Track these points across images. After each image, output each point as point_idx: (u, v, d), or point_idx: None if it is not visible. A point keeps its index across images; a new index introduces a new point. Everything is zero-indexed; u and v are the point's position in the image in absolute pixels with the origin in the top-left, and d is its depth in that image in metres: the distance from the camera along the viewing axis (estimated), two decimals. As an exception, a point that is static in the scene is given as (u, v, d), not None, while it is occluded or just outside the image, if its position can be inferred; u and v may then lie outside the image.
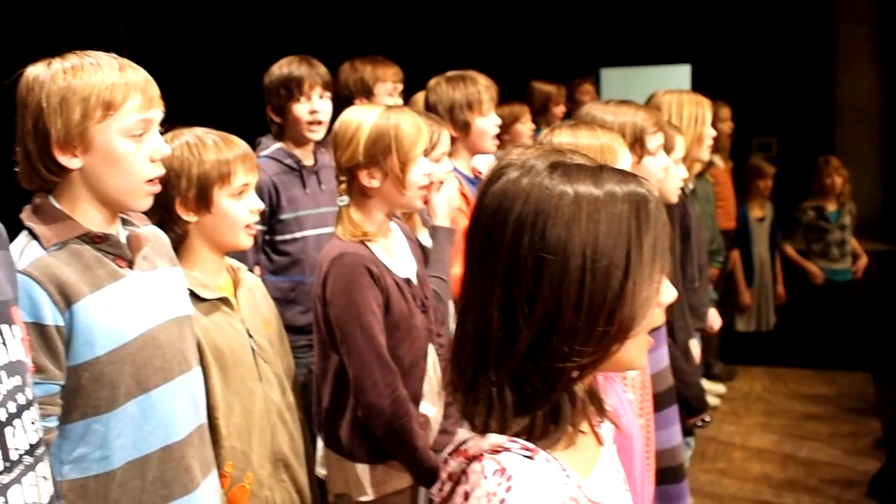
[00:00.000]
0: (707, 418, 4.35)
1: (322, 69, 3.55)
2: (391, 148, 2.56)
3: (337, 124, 2.67)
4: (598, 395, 1.43)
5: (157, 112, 2.00)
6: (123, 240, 2.04)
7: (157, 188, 2.03)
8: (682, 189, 3.80)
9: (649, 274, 1.28)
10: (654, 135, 2.87)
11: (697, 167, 4.14)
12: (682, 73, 8.13)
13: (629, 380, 2.37)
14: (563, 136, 2.34)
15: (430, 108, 3.48)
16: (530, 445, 1.25)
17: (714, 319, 4.45)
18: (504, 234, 1.25)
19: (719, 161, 6.37)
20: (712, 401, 5.89)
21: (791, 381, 6.68)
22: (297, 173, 3.49)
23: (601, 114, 2.80)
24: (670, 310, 3.29)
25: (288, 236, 3.45)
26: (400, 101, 3.88)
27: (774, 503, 4.80)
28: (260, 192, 2.73)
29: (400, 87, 3.95)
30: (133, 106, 1.94)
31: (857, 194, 7.93)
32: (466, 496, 1.23)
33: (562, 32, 8.54)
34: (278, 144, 3.54)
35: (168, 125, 2.11)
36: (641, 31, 8.45)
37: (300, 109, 3.47)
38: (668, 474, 2.96)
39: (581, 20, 8.55)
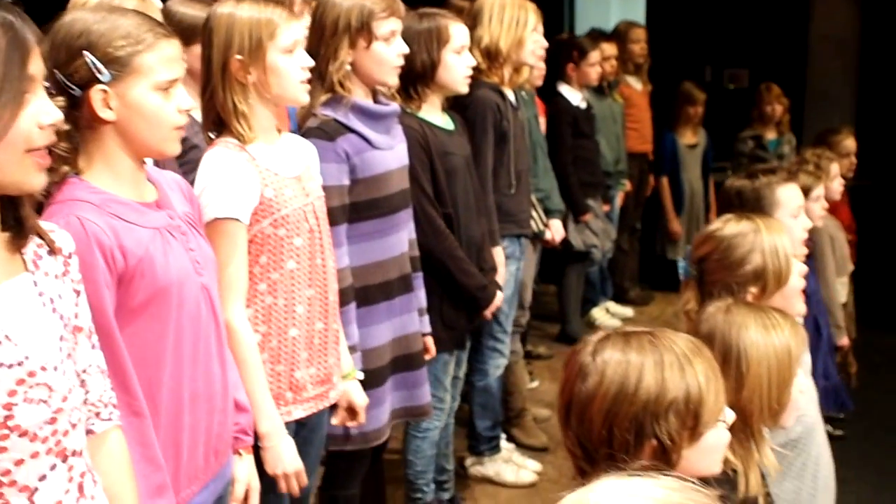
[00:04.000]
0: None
1: None
2: None
3: None
4: None
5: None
6: None
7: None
8: (500, 92, 3.76)
9: None
10: (384, 20, 2.82)
11: (525, 72, 4.07)
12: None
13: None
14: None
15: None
16: None
17: (556, 231, 4.40)
18: None
19: (635, 82, 6.25)
20: (614, 323, 5.85)
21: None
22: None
23: None
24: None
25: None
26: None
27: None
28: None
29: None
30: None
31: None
32: None
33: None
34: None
35: None
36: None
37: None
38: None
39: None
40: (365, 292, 2.90)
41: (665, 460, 1.60)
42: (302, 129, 2.83)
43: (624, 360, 1.62)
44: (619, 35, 6.08)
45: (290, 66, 2.40)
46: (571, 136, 5.22)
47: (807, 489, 2.50)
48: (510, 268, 3.87)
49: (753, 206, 3.00)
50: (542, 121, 5.02)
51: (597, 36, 5.68)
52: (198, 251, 2.07)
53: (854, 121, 8.27)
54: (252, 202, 2.38)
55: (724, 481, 1.98)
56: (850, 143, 5.23)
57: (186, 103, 2.01)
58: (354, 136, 2.83)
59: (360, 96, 2.88)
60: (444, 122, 3.37)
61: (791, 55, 8.29)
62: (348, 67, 2.82)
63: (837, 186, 4.70)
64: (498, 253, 3.68)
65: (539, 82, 4.84)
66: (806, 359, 3.75)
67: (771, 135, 6.62)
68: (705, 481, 1.88)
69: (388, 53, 2.85)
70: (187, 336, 2.01)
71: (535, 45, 3.92)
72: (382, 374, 2.95)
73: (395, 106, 2.97)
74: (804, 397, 2.48)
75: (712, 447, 1.67)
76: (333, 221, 2.73)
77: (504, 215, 3.78)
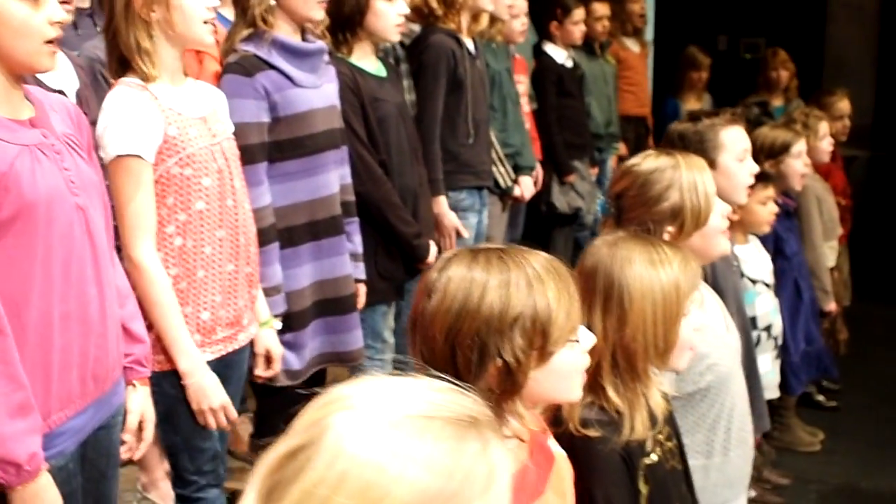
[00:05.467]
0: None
1: None
2: None
3: None
4: None
5: None
6: None
7: None
8: (457, 39, 3.67)
9: None
10: None
11: (485, 20, 3.96)
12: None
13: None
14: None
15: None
16: None
17: (525, 188, 4.30)
18: None
19: (633, 45, 6.11)
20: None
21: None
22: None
23: None
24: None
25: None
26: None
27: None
28: None
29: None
30: None
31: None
32: None
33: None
34: None
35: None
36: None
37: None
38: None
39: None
40: (289, 233, 2.83)
41: (511, 381, 1.52)
42: (223, 66, 2.76)
43: (468, 276, 1.53)
44: (617, -5, 5.94)
45: (193, 3, 2.35)
46: (556, 96, 5.10)
47: (720, 441, 2.38)
48: (469, 220, 3.78)
49: (696, 148, 2.86)
50: (525, 79, 4.91)
51: (587, -6, 5.55)
52: (74, 172, 2.01)
53: (873, 90, 8.06)
54: (155, 140, 2.33)
55: (609, 423, 1.90)
56: (843, 106, 5.06)
57: (58, 15, 1.95)
58: (275, 73, 2.75)
59: (287, 33, 2.80)
60: (376, 68, 3.29)
61: (809, 23, 8.07)
62: (272, 2, 2.75)
63: (826, 147, 4.55)
64: (441, 202, 3.58)
65: (520, 39, 4.73)
66: (776, 320, 3.63)
67: (777, 101, 6.42)
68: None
69: None
70: (58, 255, 1.95)
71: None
72: (305, 316, 2.88)
73: (320, 44, 2.89)
74: (718, 344, 2.38)
75: (565, 370, 1.58)
76: (252, 159, 2.67)
77: (461, 166, 3.69)
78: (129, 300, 2.23)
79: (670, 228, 2.33)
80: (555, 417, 1.92)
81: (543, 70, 5.16)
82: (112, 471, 2.22)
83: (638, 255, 1.95)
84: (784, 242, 4.02)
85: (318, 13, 2.83)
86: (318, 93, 2.86)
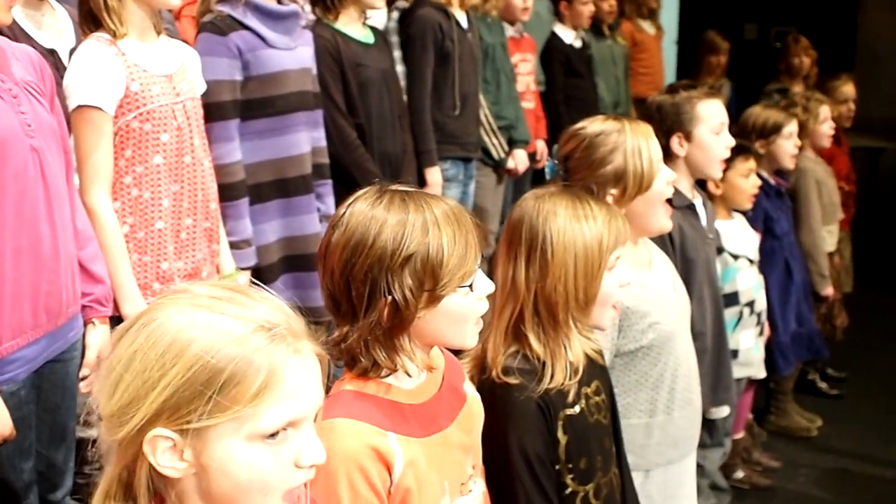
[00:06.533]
0: None
1: None
2: None
3: None
4: None
5: None
6: None
7: None
8: (445, 12, 3.72)
9: None
10: None
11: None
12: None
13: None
14: None
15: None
16: None
17: (520, 161, 4.32)
18: None
19: (648, 27, 6.10)
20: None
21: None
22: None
23: None
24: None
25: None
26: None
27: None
28: None
29: None
30: None
31: (878, 92, 7.47)
32: None
33: None
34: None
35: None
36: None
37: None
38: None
39: None
40: (258, 189, 2.92)
41: (400, 318, 1.58)
42: (198, 26, 2.85)
43: (369, 213, 1.59)
44: (632, -22, 5.95)
45: None
46: (564, 76, 5.13)
47: (663, 400, 2.41)
48: (453, 191, 3.83)
49: (672, 120, 2.91)
50: (532, 57, 4.95)
51: (594, -23, 5.56)
52: (30, 115, 2.11)
53: (906, 82, 7.96)
54: (116, 94, 2.43)
55: (530, 371, 1.95)
56: (848, 90, 5.03)
57: None
58: (248, 34, 2.83)
59: (262, -4, 2.88)
60: (363, 35, 3.35)
61: (841, 13, 7.99)
62: None
63: (827, 130, 4.53)
64: (433, 173, 3.64)
65: (522, 17, 4.76)
66: (759, 296, 3.64)
67: (798, 88, 6.37)
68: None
69: None
70: (10, 193, 2.05)
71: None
72: (273, 270, 2.96)
73: (294, 7, 2.96)
74: (662, 304, 2.41)
75: (456, 314, 1.62)
76: (223, 116, 2.76)
77: (447, 136, 3.74)
78: (90, 242, 2.34)
79: (613, 191, 2.36)
80: (483, 365, 1.99)
81: (551, 50, 5.19)
82: (68, 402, 2.31)
83: (563, 209, 1.99)
84: (774, 222, 4.01)
85: None
86: (292, 55, 2.93)
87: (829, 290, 4.47)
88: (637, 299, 2.34)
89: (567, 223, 1.97)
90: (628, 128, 2.39)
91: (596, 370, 2.10)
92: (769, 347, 3.93)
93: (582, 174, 2.38)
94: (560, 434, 1.96)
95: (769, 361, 3.92)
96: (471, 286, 1.62)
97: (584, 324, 2.04)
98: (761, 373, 3.77)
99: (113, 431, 1.12)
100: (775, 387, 4.54)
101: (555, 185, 2.34)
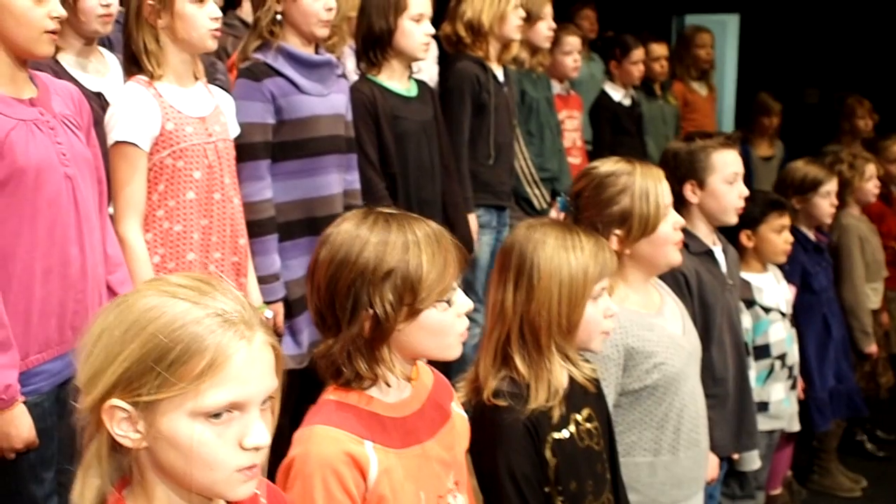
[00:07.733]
0: None
1: None
2: None
3: None
4: None
5: None
6: None
7: None
8: (483, 66, 3.85)
9: None
10: None
11: (514, 49, 4.11)
12: (731, 23, 7.83)
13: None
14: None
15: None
16: None
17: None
18: None
19: (700, 88, 6.15)
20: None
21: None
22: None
23: None
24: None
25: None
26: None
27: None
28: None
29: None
30: None
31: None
32: None
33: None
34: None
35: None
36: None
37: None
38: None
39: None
40: (288, 227, 3.06)
41: (380, 331, 1.68)
42: (236, 72, 3.03)
43: (354, 232, 1.71)
44: (683, 39, 6.03)
45: (197, 14, 2.62)
46: (611, 133, 5.22)
47: (667, 440, 2.44)
48: (486, 237, 3.92)
49: (687, 167, 2.97)
50: (578, 114, 5.06)
51: (646, 36, 5.66)
52: (66, 145, 2.29)
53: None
54: (152, 132, 2.60)
55: (517, 394, 2.03)
56: (898, 150, 5.02)
57: (57, 10, 2.24)
58: (282, 80, 3.00)
59: (296, 45, 3.05)
60: (406, 88, 3.47)
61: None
62: (279, 17, 3.00)
63: (872, 188, 4.53)
64: (471, 220, 3.74)
65: (572, 74, 4.89)
66: (791, 350, 3.63)
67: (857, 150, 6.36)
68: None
69: (313, 5, 3.02)
70: (44, 217, 2.23)
71: (518, 21, 3.95)
72: (300, 304, 3.08)
73: (328, 57, 3.12)
74: (668, 345, 2.44)
75: (435, 328, 1.72)
76: (254, 156, 2.92)
77: (480, 185, 3.84)
78: (120, 268, 2.50)
79: (618, 232, 2.42)
80: (477, 388, 2.07)
81: (600, 108, 5.30)
82: None
83: (552, 239, 2.08)
84: (812, 277, 4.01)
85: (321, 31, 3.07)
86: (324, 101, 3.09)
87: (872, 348, 4.43)
88: (642, 340, 2.40)
89: (555, 252, 2.06)
90: (639, 171, 2.45)
91: (589, 398, 2.16)
92: (806, 403, 3.90)
93: (590, 212, 2.45)
94: (549, 456, 2.02)
95: (806, 417, 3.89)
96: (449, 302, 1.71)
97: (569, 347, 2.10)
98: (794, 426, 3.74)
99: (82, 401, 1.23)
100: (818, 445, 4.49)
101: (548, 217, 2.43)
